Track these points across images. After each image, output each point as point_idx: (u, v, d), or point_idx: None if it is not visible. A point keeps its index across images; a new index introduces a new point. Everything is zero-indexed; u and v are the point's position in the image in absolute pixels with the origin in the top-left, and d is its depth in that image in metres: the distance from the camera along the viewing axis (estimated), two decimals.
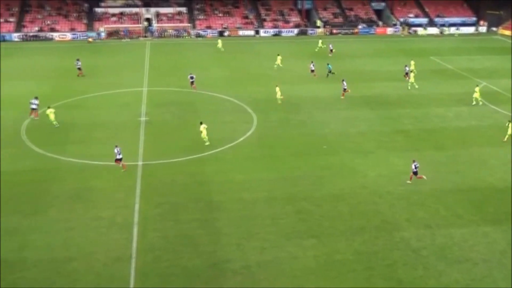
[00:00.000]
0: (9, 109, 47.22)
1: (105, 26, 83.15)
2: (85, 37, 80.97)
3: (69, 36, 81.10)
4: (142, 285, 24.48)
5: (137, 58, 68.39)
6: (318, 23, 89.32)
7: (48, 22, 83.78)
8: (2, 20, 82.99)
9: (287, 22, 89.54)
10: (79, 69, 59.11)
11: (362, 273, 25.48)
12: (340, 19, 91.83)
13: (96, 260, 26.21)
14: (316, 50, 72.82)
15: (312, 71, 59.57)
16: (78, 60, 60.00)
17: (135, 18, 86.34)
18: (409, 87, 55.39)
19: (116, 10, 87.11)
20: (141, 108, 48.10)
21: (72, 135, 41.82)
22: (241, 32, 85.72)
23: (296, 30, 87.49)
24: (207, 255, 26.73)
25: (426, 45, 79.91)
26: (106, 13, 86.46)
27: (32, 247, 27.25)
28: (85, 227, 29.03)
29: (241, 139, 41.54)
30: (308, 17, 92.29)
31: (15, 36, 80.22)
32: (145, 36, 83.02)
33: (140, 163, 37.00)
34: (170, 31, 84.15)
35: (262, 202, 31.88)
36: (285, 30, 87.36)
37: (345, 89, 51.82)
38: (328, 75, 58.68)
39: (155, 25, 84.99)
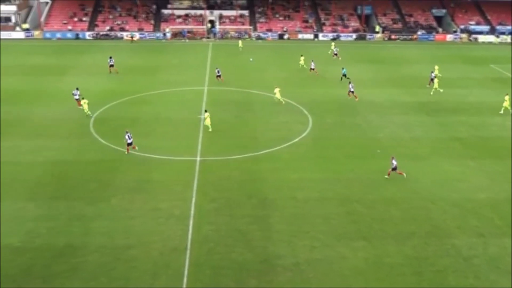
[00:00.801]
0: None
1: (171, 27, 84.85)
2: (153, 37, 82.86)
3: (137, 35, 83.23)
4: (195, 275, 24.82)
5: (199, 58, 69.39)
6: (377, 28, 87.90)
7: (118, 22, 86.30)
8: (76, 19, 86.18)
9: (346, 26, 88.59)
10: (112, 65, 60.68)
11: (411, 277, 24.87)
12: (399, 25, 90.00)
13: (154, 249, 26.77)
14: (329, 52, 72.11)
15: (312, 69, 60.42)
16: (111, 58, 61.52)
17: (199, 20, 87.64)
18: (432, 93, 54.06)
19: (182, 12, 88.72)
20: (200, 106, 48.78)
21: (135, 129, 42.82)
22: (300, 36, 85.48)
23: (354, 35, 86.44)
24: (258, 250, 26.80)
25: (485, 52, 77.13)
26: (172, 14, 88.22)
27: (94, 233, 28.14)
28: (144, 217, 29.72)
29: (296, 139, 41.41)
30: (367, 22, 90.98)
31: (88, 35, 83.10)
32: (208, 37, 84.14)
33: (198, 159, 37.52)
34: (232, 33, 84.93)
35: (314, 202, 31.68)
36: (344, 34, 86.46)
37: (352, 91, 51.16)
38: (342, 78, 57.55)
39: (218, 27, 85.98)
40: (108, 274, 24.78)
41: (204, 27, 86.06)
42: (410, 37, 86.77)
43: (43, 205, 30.80)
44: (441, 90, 54.27)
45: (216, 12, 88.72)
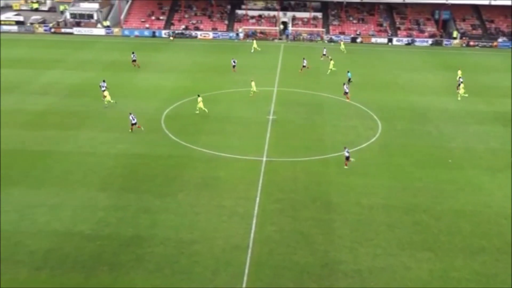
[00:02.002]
0: (154, 99, 50.47)
1: (244, 27, 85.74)
2: (226, 37, 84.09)
3: (210, 35, 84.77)
4: (256, 274, 24.98)
5: (270, 59, 69.67)
6: (455, 34, 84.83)
7: (194, 21, 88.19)
8: (153, 17, 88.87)
9: (422, 31, 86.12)
10: (134, 61, 63.09)
11: None
12: (478, 31, 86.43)
13: (217, 245, 27.18)
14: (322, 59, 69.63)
15: (304, 66, 61.64)
16: (133, 53, 63.98)
17: (272, 21, 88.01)
18: (459, 98, 52.21)
19: (255, 13, 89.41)
20: (270, 107, 48.99)
21: (205, 127, 43.70)
22: (373, 40, 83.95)
23: (430, 40, 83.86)
24: (320, 254, 26.61)
25: None
26: (245, 15, 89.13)
27: (161, 226, 28.93)
28: (209, 214, 30.23)
29: (364, 144, 40.74)
30: (444, 27, 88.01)
31: (164, 33, 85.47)
32: (280, 39, 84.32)
33: (264, 159, 37.70)
34: (304, 34, 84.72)
35: (379, 209, 31.05)
36: (419, 39, 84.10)
37: (346, 93, 51.31)
38: (348, 82, 56.12)
39: (290, 28, 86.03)
40: (172, 267, 25.42)
41: (277, 28, 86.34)
42: (490, 44, 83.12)
43: (114, 196, 32.02)
44: (467, 95, 52.63)
45: (289, 14, 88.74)
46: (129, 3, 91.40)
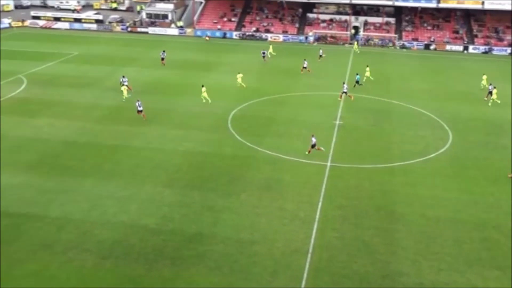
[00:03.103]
0: (222, 99, 51.21)
1: (314, 31, 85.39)
2: (296, 40, 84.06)
3: (281, 37, 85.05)
4: (314, 280, 24.77)
5: (340, 63, 68.99)
6: None
7: (264, 23, 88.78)
8: (225, 19, 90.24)
9: (500, 39, 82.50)
10: (163, 59, 65.10)
11: None
12: None
13: (276, 247, 27.19)
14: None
15: (304, 67, 62.23)
16: (164, 51, 65.93)
17: (344, 25, 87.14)
18: (490, 104, 50.55)
19: (327, 17, 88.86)
20: (337, 112, 48.49)
21: (271, 129, 43.85)
22: (448, 47, 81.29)
23: (509, 49, 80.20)
24: (381, 264, 26.03)
25: None
26: (317, 18, 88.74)
27: (223, 224, 29.28)
28: (270, 216, 30.28)
29: (433, 154, 39.49)
30: None
31: (235, 34, 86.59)
32: (351, 44, 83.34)
33: (328, 164, 37.36)
34: (376, 40, 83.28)
35: (446, 222, 29.98)
36: (497, 48, 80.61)
37: (345, 92, 51.47)
38: (355, 85, 55.59)
39: (361, 33, 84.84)
40: (231, 266, 25.66)
41: (348, 33, 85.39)
42: None
43: (179, 192, 32.73)
44: (499, 102, 50.89)
45: (361, 18, 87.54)
46: (202, 4, 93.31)
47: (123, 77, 53.71)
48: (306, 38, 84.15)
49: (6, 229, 28.37)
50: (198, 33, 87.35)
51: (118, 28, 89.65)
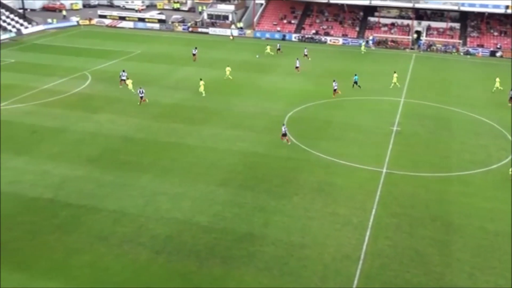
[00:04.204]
0: (278, 101, 51.29)
1: (375, 34, 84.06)
2: (356, 44, 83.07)
3: (340, 41, 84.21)
4: (365, 287, 24.36)
5: (400, 68, 67.50)
6: None
7: (324, 26, 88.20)
8: (285, 21, 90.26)
9: None
10: (194, 55, 68.15)
11: None
12: None
13: (327, 252, 26.93)
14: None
15: (297, 67, 63.24)
16: (196, 48, 69.64)
17: (405, 30, 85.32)
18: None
19: (388, 21, 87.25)
20: (394, 118, 47.53)
21: (326, 133, 43.50)
22: None
23: None
24: (434, 276, 25.29)
25: None
26: (378, 22, 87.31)
27: (273, 226, 29.27)
28: (322, 220, 30.02)
29: (495, 166, 38.01)
30: None
31: (294, 37, 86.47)
32: (412, 48, 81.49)
33: (384, 170, 36.66)
34: (438, 45, 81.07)
35: (506, 236, 28.77)
36: None
37: (335, 90, 52.70)
38: (353, 86, 55.69)
39: (424, 38, 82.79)
40: (281, 268, 25.61)
41: (410, 37, 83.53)
42: None
43: (232, 192, 32.99)
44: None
45: (424, 23, 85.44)
46: (263, 6, 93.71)
47: (123, 71, 55.93)
48: (367, 42, 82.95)
49: (66, 219, 29.48)
50: (258, 34, 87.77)
51: (180, 28, 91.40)
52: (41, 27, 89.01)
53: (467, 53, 79.30)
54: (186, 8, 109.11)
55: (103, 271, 25.21)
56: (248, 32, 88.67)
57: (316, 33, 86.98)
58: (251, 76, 61.21)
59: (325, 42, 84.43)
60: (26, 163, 36.66)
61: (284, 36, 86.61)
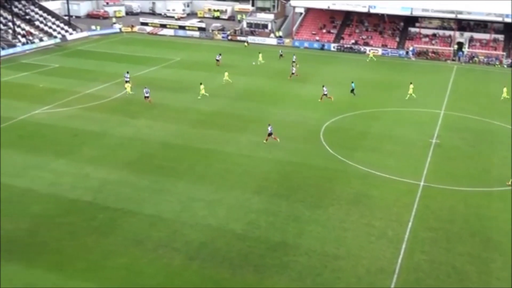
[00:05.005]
0: (316, 111, 51.09)
1: (415, 45, 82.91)
2: (395, 54, 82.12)
3: (380, 51, 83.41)
4: None
5: (440, 80, 66.44)
6: None
7: (364, 36, 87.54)
8: (324, 30, 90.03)
9: None
10: (218, 60, 69.92)
11: None
12: None
13: (361, 265, 26.57)
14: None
15: (292, 73, 63.91)
16: (220, 54, 71.90)
17: (447, 41, 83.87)
18: None
19: (429, 31, 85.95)
20: (434, 130, 46.67)
21: (363, 143, 43.05)
22: None
23: None
24: None
25: None
26: (419, 33, 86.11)
27: (308, 236, 29.08)
28: (357, 231, 29.66)
29: None
30: None
31: (333, 46, 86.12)
32: (453, 60, 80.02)
33: (421, 183, 35.99)
34: (481, 57, 79.34)
35: None
36: None
37: (325, 94, 53.62)
38: (352, 91, 56.61)
39: (466, 49, 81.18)
40: (314, 279, 25.40)
41: (451, 48, 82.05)
42: None
43: (267, 200, 32.97)
44: None
45: (467, 34, 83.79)
46: (302, 15, 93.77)
47: (127, 72, 57.75)
48: (407, 52, 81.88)
49: (103, 222, 30.02)
50: (296, 43, 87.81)
51: (219, 36, 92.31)
52: (85, 34, 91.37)
53: (511, 65, 77.34)
54: (226, 17, 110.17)
55: (137, 274, 25.53)
56: (287, 41, 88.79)
57: (356, 43, 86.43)
58: (290, 84, 61.18)
59: (364, 52, 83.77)
60: (67, 165, 37.57)
61: (323, 45, 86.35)
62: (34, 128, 44.99)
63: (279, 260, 26.78)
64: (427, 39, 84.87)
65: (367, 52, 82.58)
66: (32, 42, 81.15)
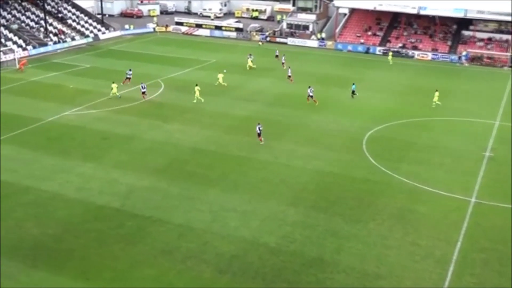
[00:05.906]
0: (358, 118, 50.71)
1: (469, 50, 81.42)
2: (447, 59, 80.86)
3: (429, 55, 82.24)
4: None
5: (495, 88, 64.99)
6: None
7: (412, 40, 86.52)
8: (370, 33, 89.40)
9: None
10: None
11: None
12: None
13: (404, 286, 26.18)
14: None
15: (289, 76, 64.17)
16: (250, 54, 72.61)
17: (504, 45, 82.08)
18: None
19: (485, 35, 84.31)
20: (487, 142, 45.68)
21: (409, 154, 42.48)
22: None
23: None
24: None
25: None
26: (473, 37, 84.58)
27: (346, 252, 28.84)
28: (401, 250, 29.24)
29: None
30: None
31: (378, 50, 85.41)
32: (510, 67, 78.23)
33: (473, 200, 35.25)
34: None
35: None
36: None
37: (311, 96, 54.72)
38: (352, 95, 57.55)
39: None
40: None
41: (508, 54, 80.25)
42: None
43: (303, 213, 32.87)
44: None
45: None
46: (346, 16, 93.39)
47: (130, 70, 59.96)
48: (459, 57, 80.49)
49: (131, 230, 30.49)
50: (339, 46, 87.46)
51: (257, 37, 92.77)
52: (118, 33, 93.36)
53: None
54: (264, 17, 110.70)
55: (166, 286, 25.79)
56: (329, 43, 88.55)
57: (403, 46, 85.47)
58: (331, 90, 60.95)
59: (413, 57, 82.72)
60: (94, 169, 38.37)
61: (368, 49, 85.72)
62: (63, 130, 46.16)
63: (314, 277, 26.62)
64: (482, 44, 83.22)
65: (415, 56, 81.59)
66: (64, 41, 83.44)
